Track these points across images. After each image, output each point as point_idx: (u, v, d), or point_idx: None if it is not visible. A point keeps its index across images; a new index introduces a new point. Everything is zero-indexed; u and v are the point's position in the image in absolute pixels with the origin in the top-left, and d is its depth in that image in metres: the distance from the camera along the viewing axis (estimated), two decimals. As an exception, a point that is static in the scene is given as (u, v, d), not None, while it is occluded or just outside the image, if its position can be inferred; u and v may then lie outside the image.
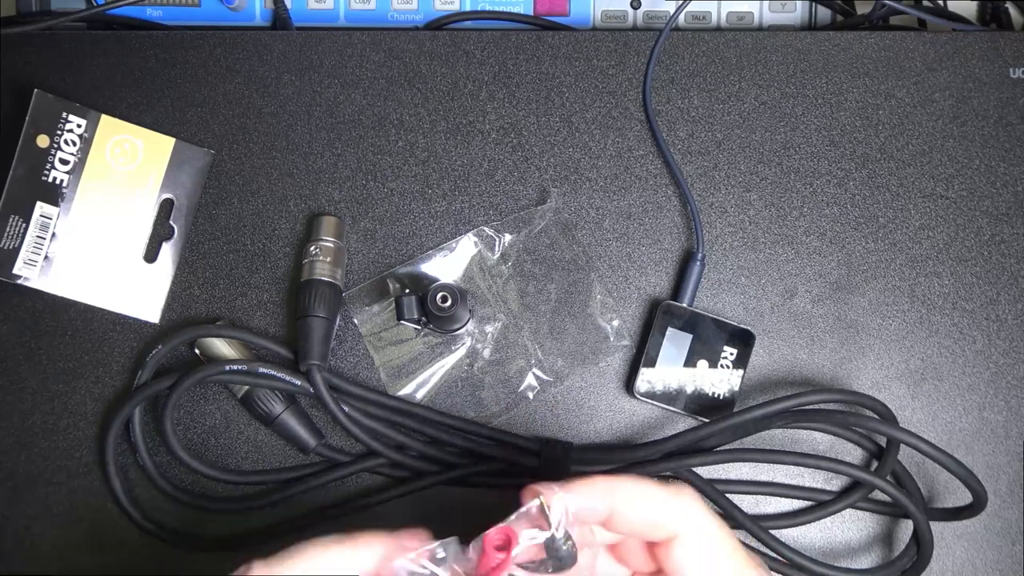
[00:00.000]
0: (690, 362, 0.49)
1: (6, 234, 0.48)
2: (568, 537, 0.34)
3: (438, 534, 0.34)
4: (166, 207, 0.50)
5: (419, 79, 0.51)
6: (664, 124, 0.51)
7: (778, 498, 0.49)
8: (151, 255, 0.50)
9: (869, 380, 0.50)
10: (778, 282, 0.51)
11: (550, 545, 0.33)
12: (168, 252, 0.50)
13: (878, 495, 0.48)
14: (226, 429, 0.49)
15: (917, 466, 0.49)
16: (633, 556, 0.37)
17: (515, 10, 0.58)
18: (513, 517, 0.34)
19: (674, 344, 0.49)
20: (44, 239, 0.49)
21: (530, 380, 0.50)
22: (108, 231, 0.50)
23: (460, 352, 0.50)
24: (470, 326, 0.50)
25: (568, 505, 0.34)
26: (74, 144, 0.49)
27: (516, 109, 0.51)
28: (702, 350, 0.49)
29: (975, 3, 0.58)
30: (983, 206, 0.51)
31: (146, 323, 0.50)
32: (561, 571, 0.34)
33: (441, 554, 0.33)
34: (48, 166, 0.49)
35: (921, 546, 0.47)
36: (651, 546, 0.36)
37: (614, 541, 0.37)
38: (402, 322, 0.48)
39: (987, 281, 0.51)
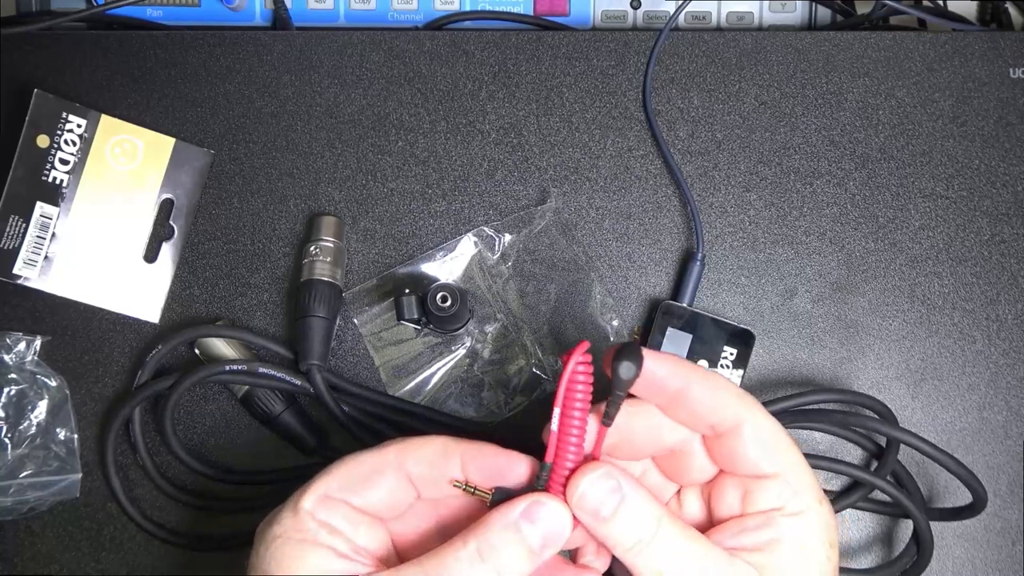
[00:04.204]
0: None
1: (6, 234, 0.48)
2: (620, 403, 0.35)
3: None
4: (166, 207, 0.50)
5: (419, 79, 0.51)
6: (664, 124, 0.51)
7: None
8: (151, 255, 0.50)
9: (869, 380, 0.50)
10: (778, 282, 0.51)
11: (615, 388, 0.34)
12: (168, 252, 0.50)
13: (878, 495, 0.48)
14: (226, 429, 0.49)
15: (917, 466, 0.49)
16: (681, 470, 0.38)
17: (515, 10, 0.58)
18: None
19: (674, 344, 0.49)
20: (44, 239, 0.49)
21: (530, 380, 0.50)
22: (108, 231, 0.50)
23: (460, 352, 0.50)
24: (470, 326, 0.50)
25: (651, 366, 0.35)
26: (74, 144, 0.49)
27: (516, 109, 0.51)
28: (702, 350, 0.49)
29: (975, 3, 0.58)
30: (983, 206, 0.51)
31: (146, 323, 0.50)
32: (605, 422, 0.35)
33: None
34: (48, 166, 0.49)
35: (921, 546, 0.47)
36: (709, 441, 0.37)
37: (663, 452, 0.38)
38: (402, 322, 0.48)
39: (987, 281, 0.51)
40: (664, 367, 0.35)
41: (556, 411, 0.35)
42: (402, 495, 0.37)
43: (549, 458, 0.35)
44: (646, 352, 0.35)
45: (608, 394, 0.35)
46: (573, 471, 0.35)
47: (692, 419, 0.36)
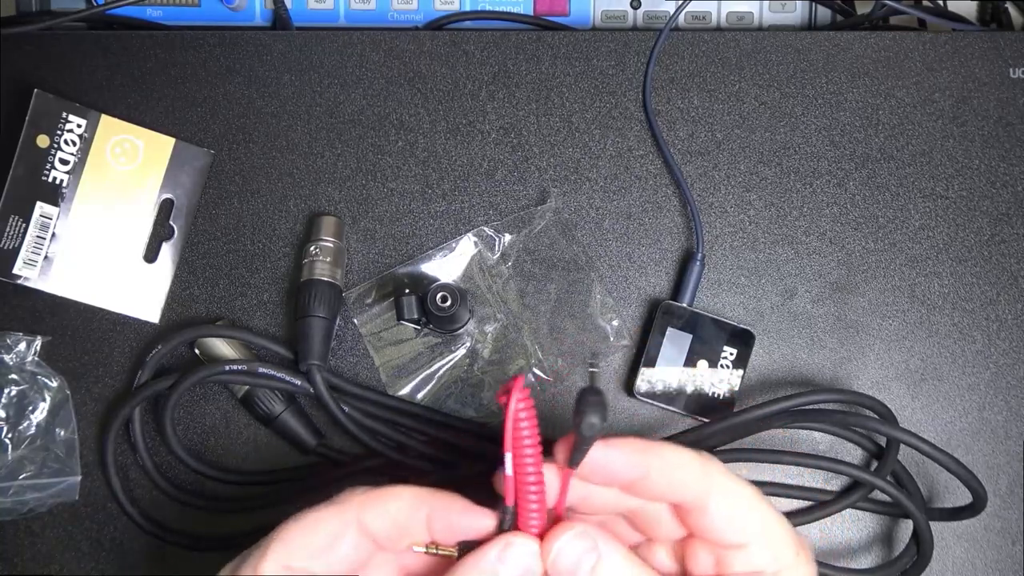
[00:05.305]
0: (690, 362, 0.49)
1: (6, 234, 0.48)
2: (585, 453, 0.33)
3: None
4: (166, 207, 0.50)
5: (419, 79, 0.51)
6: (664, 124, 0.51)
7: (778, 498, 0.49)
8: (151, 255, 0.50)
9: (869, 380, 0.50)
10: (778, 282, 0.51)
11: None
12: (168, 252, 0.50)
13: (878, 495, 0.48)
14: (226, 429, 0.49)
15: (917, 466, 0.49)
16: (648, 528, 0.37)
17: (515, 10, 0.58)
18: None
19: (674, 344, 0.49)
20: (44, 239, 0.49)
21: (530, 380, 0.50)
22: (108, 231, 0.50)
23: (460, 352, 0.50)
24: (470, 326, 0.50)
25: (609, 457, 0.33)
26: (74, 144, 0.49)
27: (516, 109, 0.51)
28: (702, 350, 0.49)
29: (975, 3, 0.58)
30: (983, 206, 0.51)
31: (146, 323, 0.50)
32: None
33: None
34: (48, 166, 0.49)
35: (921, 546, 0.47)
36: (677, 510, 0.36)
37: (626, 512, 0.37)
38: (402, 322, 0.48)
39: (987, 281, 0.51)
40: (620, 456, 0.34)
41: (508, 456, 0.33)
42: (364, 552, 0.35)
43: (510, 501, 0.34)
44: (602, 443, 0.33)
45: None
46: (539, 509, 0.34)
47: (653, 498, 0.35)
